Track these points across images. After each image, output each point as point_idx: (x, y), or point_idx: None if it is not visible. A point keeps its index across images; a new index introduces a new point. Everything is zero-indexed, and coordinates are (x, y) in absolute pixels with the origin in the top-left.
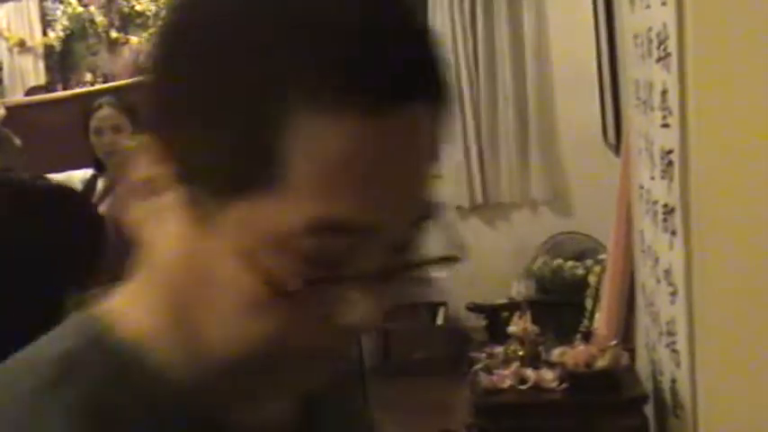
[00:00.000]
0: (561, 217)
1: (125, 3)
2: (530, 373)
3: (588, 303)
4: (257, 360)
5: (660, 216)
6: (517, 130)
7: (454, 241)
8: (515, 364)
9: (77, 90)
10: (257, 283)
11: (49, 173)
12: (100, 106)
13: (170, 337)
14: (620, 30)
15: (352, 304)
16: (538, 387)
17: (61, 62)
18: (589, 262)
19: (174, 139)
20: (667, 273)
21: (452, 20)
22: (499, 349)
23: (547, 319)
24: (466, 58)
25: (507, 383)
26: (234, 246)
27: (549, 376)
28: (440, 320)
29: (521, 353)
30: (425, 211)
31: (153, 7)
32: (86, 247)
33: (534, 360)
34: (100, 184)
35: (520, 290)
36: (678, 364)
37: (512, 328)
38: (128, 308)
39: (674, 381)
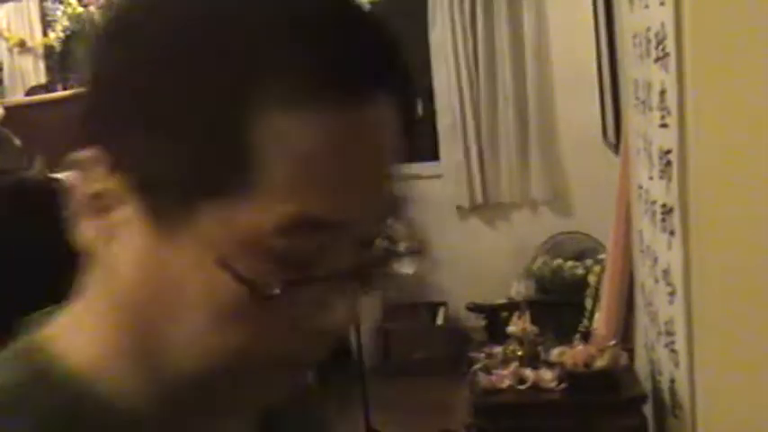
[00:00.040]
0: (561, 217)
1: None
2: (529, 373)
3: (588, 303)
4: (223, 375)
5: (658, 216)
6: (517, 129)
7: (417, 236)
8: (514, 365)
9: (77, 90)
10: (232, 291)
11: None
12: None
13: (125, 362)
14: (620, 30)
15: (328, 305)
16: (537, 387)
17: (61, 62)
18: (589, 262)
19: (130, 148)
20: (666, 273)
21: (452, 20)
22: (498, 349)
23: (547, 319)
24: (466, 58)
25: (506, 383)
26: (205, 254)
27: (547, 376)
28: (440, 320)
29: (520, 353)
30: (392, 207)
31: None
32: None
33: (533, 360)
34: None
35: (519, 290)
36: (677, 364)
37: (511, 329)
38: (76, 334)
39: (672, 381)
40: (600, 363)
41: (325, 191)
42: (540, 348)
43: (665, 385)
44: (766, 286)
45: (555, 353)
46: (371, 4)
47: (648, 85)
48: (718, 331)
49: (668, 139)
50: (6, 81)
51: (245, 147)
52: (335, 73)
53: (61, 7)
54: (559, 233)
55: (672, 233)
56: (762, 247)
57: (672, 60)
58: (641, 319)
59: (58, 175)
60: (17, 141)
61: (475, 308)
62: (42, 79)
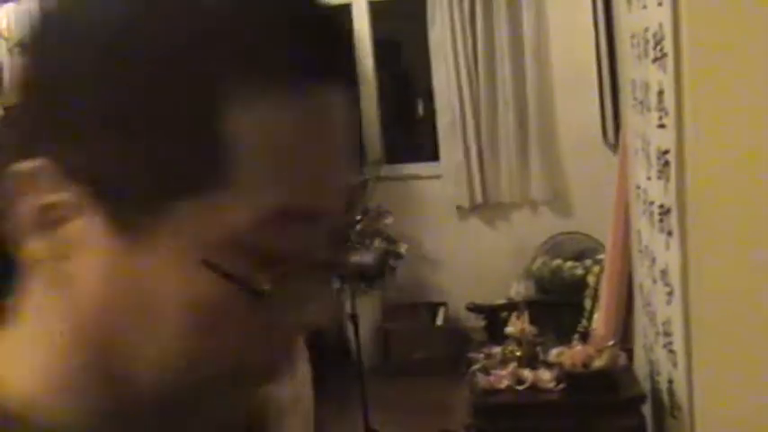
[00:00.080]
0: (561, 217)
1: None
2: (527, 373)
3: (587, 304)
4: (188, 391)
5: (656, 216)
6: (517, 130)
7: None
8: (513, 365)
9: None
10: (215, 293)
11: None
12: None
13: (73, 387)
14: (619, 30)
15: (310, 299)
16: (535, 387)
17: None
18: (588, 262)
19: (87, 154)
20: (664, 273)
21: (452, 20)
22: (497, 350)
23: (546, 319)
24: (465, 59)
25: (505, 384)
26: (181, 258)
27: (546, 377)
28: (440, 321)
29: (518, 353)
30: (354, 195)
31: None
32: None
33: (532, 360)
34: None
35: (519, 290)
36: (675, 365)
37: (509, 329)
38: (12, 361)
39: (670, 381)
40: (598, 363)
41: (301, 180)
42: (538, 349)
43: (663, 385)
44: (764, 287)
45: (553, 353)
46: (370, 3)
47: (646, 86)
48: (715, 332)
49: (666, 139)
50: (6, 81)
51: (219, 141)
52: (305, 59)
53: None
54: (559, 233)
55: (670, 233)
56: (759, 248)
57: (669, 61)
58: (640, 319)
59: None
60: None
61: (474, 308)
62: None
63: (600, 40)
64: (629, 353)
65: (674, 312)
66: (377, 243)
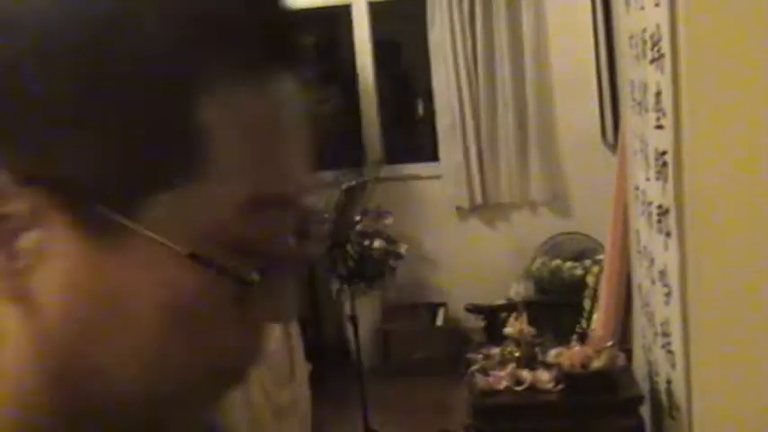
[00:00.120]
0: (560, 217)
1: None
2: (526, 374)
3: (586, 304)
4: (167, 394)
5: (655, 217)
6: (516, 130)
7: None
8: (511, 366)
9: None
10: (197, 290)
11: None
12: None
13: (43, 404)
14: (618, 31)
15: (285, 291)
16: (534, 388)
17: None
18: (587, 262)
19: (42, 158)
20: (662, 273)
21: (452, 20)
22: (496, 350)
23: (546, 319)
24: (465, 59)
25: (503, 385)
26: (158, 257)
27: (545, 377)
28: (439, 321)
29: (517, 354)
30: (314, 182)
31: None
32: None
33: (530, 361)
34: None
35: (519, 291)
36: (673, 365)
37: (508, 330)
38: None
39: (669, 382)
40: (597, 364)
41: (274, 165)
42: (537, 349)
43: (661, 386)
44: (762, 287)
45: (552, 354)
46: (370, 4)
47: (644, 87)
48: (714, 332)
49: (664, 140)
50: None
51: (192, 130)
52: (273, 46)
53: None
54: (559, 234)
55: (668, 234)
56: (757, 248)
57: (667, 61)
58: (639, 320)
59: None
60: None
61: (474, 309)
62: None
63: (599, 41)
64: (628, 353)
65: (673, 313)
66: (377, 243)
